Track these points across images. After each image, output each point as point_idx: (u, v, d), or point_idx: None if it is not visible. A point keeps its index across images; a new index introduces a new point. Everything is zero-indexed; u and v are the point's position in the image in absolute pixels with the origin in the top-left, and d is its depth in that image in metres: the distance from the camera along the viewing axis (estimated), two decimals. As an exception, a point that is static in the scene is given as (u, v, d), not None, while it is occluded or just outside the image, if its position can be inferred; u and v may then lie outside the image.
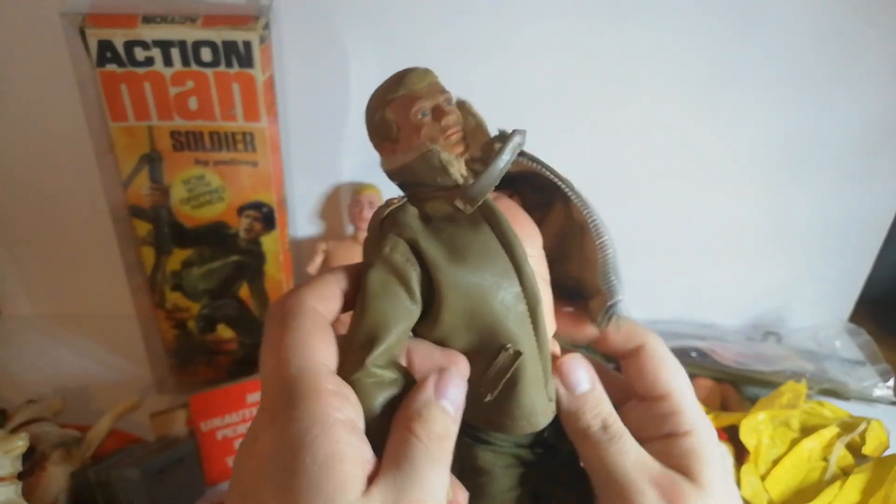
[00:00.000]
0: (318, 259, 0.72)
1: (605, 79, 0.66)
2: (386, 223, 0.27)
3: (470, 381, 0.27)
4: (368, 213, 0.69)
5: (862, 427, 0.65)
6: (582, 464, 0.28)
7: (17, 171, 0.70)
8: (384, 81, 0.29)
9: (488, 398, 0.27)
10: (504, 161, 0.27)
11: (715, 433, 0.28)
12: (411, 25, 0.63)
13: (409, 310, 0.26)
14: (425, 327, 0.27)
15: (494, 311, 0.26)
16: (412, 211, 0.27)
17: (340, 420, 0.23)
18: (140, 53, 0.53)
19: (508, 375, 0.26)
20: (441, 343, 0.27)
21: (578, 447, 0.28)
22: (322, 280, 0.27)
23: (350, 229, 0.73)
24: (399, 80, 0.29)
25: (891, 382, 0.74)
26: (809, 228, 0.77)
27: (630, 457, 0.27)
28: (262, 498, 0.22)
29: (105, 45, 0.53)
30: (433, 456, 0.24)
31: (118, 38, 0.53)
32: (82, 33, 0.52)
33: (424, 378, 0.26)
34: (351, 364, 0.25)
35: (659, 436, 0.28)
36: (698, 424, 0.28)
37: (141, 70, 0.54)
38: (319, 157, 0.70)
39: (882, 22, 0.64)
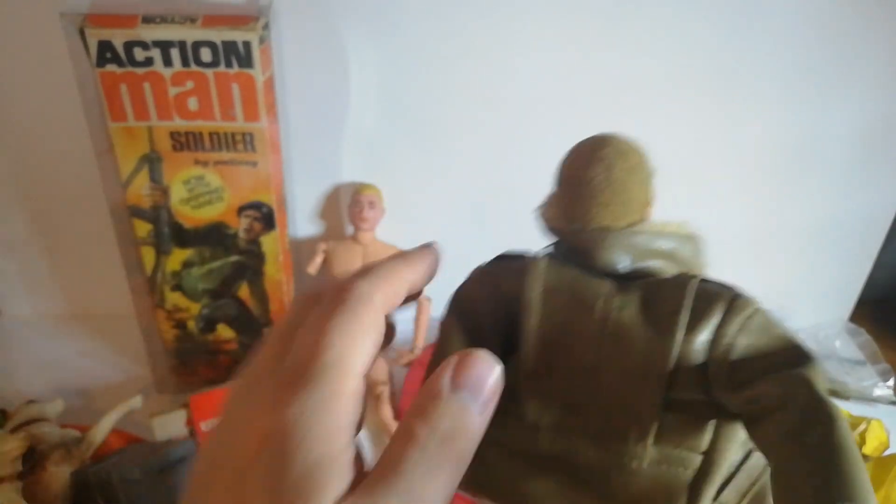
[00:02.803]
0: (318, 259, 0.72)
1: (606, 80, 0.66)
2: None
3: None
4: (368, 214, 0.69)
5: (862, 427, 0.65)
6: None
7: (17, 171, 0.70)
8: (630, 139, 0.25)
9: None
10: None
11: None
12: (411, 25, 0.63)
13: None
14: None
15: None
16: None
17: (347, 416, 0.21)
18: (140, 54, 0.54)
19: (756, 485, 0.23)
20: None
21: None
22: (392, 270, 0.24)
23: (350, 229, 0.73)
24: None
25: (891, 382, 0.74)
26: (809, 228, 0.77)
27: None
28: (248, 480, 0.20)
29: (105, 46, 0.53)
30: (431, 462, 0.20)
31: (118, 39, 0.53)
32: (82, 33, 0.52)
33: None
34: None
35: None
36: None
37: (140, 70, 0.54)
38: (319, 157, 0.70)
39: (882, 22, 0.64)
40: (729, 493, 0.22)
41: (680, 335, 0.21)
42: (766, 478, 0.22)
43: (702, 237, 0.25)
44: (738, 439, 0.22)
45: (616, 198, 0.24)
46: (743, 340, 0.21)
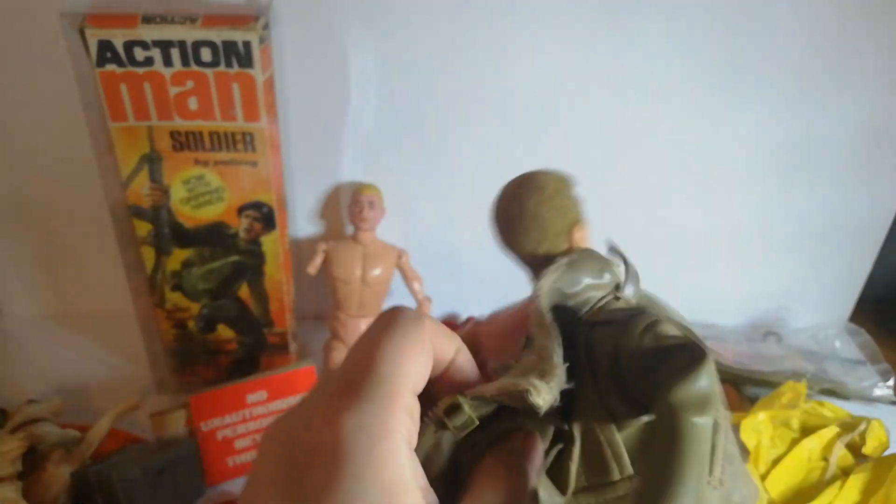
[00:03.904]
0: (319, 259, 0.72)
1: (606, 80, 0.66)
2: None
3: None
4: (368, 214, 0.69)
5: (862, 427, 0.65)
6: None
7: (17, 171, 0.70)
8: (556, 173, 0.28)
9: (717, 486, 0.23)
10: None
11: None
12: (411, 25, 0.63)
13: None
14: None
15: None
16: None
17: (403, 434, 0.20)
18: (140, 53, 0.53)
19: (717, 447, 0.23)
20: None
21: None
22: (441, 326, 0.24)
23: (350, 229, 0.73)
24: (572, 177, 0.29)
25: (891, 382, 0.74)
26: (809, 228, 0.77)
27: None
28: (301, 484, 0.19)
29: (105, 45, 0.53)
30: None
31: (118, 39, 0.53)
32: (82, 33, 0.52)
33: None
34: None
35: None
36: None
37: (141, 70, 0.54)
38: (319, 157, 0.70)
39: (882, 23, 0.64)
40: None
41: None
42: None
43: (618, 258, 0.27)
44: None
45: (531, 226, 0.27)
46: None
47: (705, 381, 0.21)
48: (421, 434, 0.22)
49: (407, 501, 0.19)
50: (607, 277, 0.26)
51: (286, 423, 0.22)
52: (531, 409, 0.22)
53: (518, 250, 0.28)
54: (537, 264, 0.27)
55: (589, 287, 0.26)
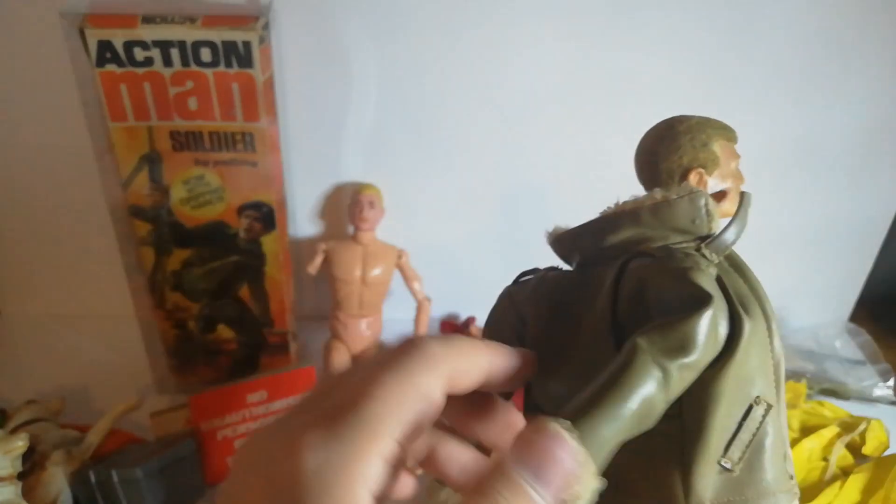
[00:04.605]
0: (318, 259, 0.72)
1: (606, 80, 0.66)
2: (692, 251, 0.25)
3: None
4: (368, 213, 0.69)
5: (862, 427, 0.66)
6: None
7: (16, 171, 0.70)
8: (704, 117, 0.29)
9: (732, 468, 0.23)
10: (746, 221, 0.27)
11: None
12: (411, 25, 0.63)
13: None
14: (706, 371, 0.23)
15: (769, 359, 0.24)
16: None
17: (367, 480, 0.19)
18: (140, 53, 0.54)
19: (756, 436, 0.23)
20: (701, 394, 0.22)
21: None
22: (473, 347, 0.22)
23: (350, 229, 0.73)
24: (732, 130, 0.30)
25: (891, 382, 0.74)
26: (809, 228, 0.77)
27: None
28: None
29: (104, 46, 0.53)
30: None
31: (118, 39, 0.53)
32: (82, 33, 0.52)
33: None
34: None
35: None
36: None
37: (140, 70, 0.54)
38: (319, 157, 0.70)
39: (881, 23, 0.64)
40: (734, 450, 0.23)
41: None
42: (765, 427, 0.23)
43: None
44: (718, 398, 0.22)
45: (646, 158, 0.29)
46: None
47: (694, 331, 0.21)
48: None
49: None
50: (699, 224, 0.26)
51: (258, 446, 0.20)
52: None
53: (638, 178, 0.29)
54: None
55: (672, 233, 0.26)
